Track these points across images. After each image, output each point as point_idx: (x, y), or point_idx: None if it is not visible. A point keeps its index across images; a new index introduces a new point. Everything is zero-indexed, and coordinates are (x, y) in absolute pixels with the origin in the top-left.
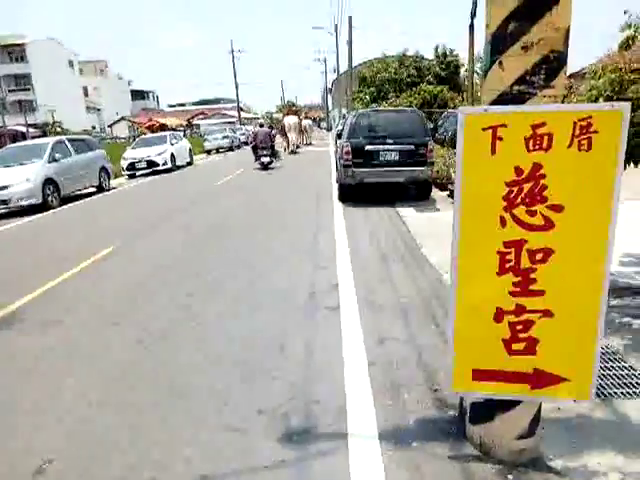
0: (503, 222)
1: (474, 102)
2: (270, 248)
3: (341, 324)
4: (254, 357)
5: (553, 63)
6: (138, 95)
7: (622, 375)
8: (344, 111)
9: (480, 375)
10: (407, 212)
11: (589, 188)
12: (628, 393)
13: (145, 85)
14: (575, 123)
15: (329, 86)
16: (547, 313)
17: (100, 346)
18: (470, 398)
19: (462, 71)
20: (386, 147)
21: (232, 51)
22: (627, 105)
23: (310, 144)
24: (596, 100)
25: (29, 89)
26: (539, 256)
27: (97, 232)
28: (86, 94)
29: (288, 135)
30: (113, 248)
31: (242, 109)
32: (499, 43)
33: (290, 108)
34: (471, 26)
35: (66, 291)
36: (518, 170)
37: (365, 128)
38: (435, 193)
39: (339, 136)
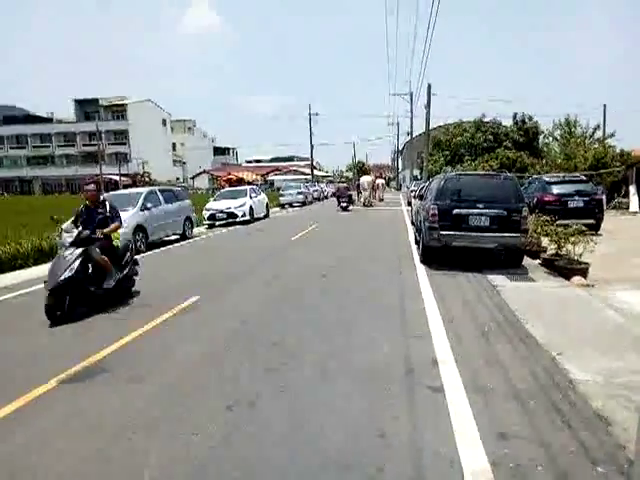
0: None
1: (552, 169)
2: (353, 313)
3: (448, 409)
4: (352, 443)
5: None
6: (219, 151)
7: None
8: (415, 172)
9: None
10: (499, 281)
11: None
12: None
13: (226, 142)
14: None
15: (400, 148)
16: None
17: (185, 409)
18: None
19: (541, 138)
20: (476, 211)
21: (310, 114)
22: None
23: (382, 200)
24: None
25: (125, 143)
26: None
27: (179, 281)
28: (174, 149)
29: (363, 192)
30: (195, 300)
31: (315, 167)
32: None
33: (366, 169)
34: None
35: (151, 342)
36: None
37: (454, 191)
38: (525, 260)
39: (420, 197)
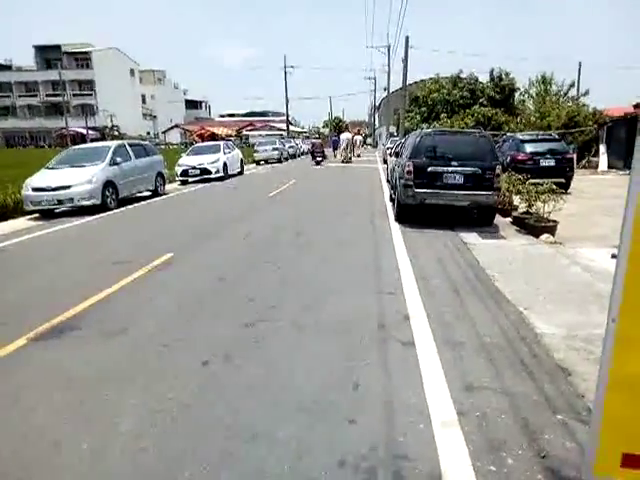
0: None
1: (526, 127)
2: (329, 267)
3: (419, 362)
4: (325, 395)
5: None
6: (191, 104)
7: None
8: (392, 129)
9: (633, 461)
10: (471, 239)
11: None
12: None
13: (198, 95)
14: None
15: (377, 104)
16: None
17: (164, 362)
18: None
19: (517, 95)
20: (451, 169)
21: (285, 67)
22: None
23: (359, 156)
24: None
25: (91, 94)
26: None
27: (152, 238)
28: (144, 101)
29: (342, 148)
30: (170, 256)
31: (290, 123)
32: None
33: (342, 126)
34: None
35: (125, 299)
36: None
37: (429, 148)
38: (497, 218)
39: (396, 154)
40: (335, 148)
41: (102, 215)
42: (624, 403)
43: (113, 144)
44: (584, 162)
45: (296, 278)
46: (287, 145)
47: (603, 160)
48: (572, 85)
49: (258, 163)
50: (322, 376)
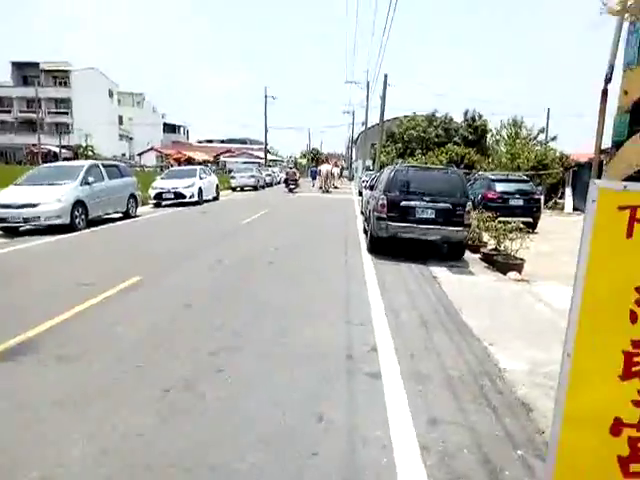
0: (634, 317)
1: (497, 167)
2: (300, 296)
3: (385, 395)
4: (288, 426)
5: None
6: (170, 128)
7: None
8: (368, 162)
9: None
10: (441, 273)
11: None
12: None
13: (177, 119)
14: None
15: (354, 138)
16: None
17: (123, 388)
18: None
19: (489, 136)
20: (423, 204)
21: (265, 97)
22: None
23: (336, 187)
24: None
25: (67, 113)
26: None
27: (120, 260)
28: (121, 122)
29: (321, 178)
30: (138, 279)
31: (268, 151)
32: None
33: (321, 158)
34: (605, 91)
35: (87, 322)
36: None
37: (403, 183)
38: (467, 254)
39: (371, 188)
40: (314, 178)
41: (70, 235)
42: (579, 438)
43: (86, 163)
44: (551, 203)
45: (265, 307)
46: (264, 173)
47: (569, 202)
48: (541, 130)
49: (234, 189)
50: (286, 407)
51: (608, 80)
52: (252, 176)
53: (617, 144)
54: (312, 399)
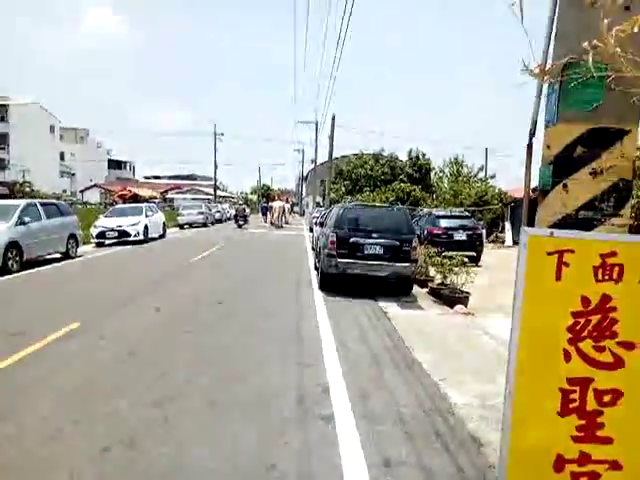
0: (567, 356)
1: (441, 203)
2: (250, 338)
3: (338, 438)
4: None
5: (622, 192)
6: (115, 164)
7: None
8: (318, 199)
9: None
10: (390, 308)
11: None
12: None
13: (123, 155)
14: None
15: (304, 175)
16: (615, 465)
17: (56, 450)
18: None
19: (432, 174)
20: (371, 240)
21: (215, 133)
22: None
23: (287, 223)
24: None
25: (4, 148)
26: (607, 398)
27: (56, 306)
28: (62, 158)
29: (274, 214)
30: (77, 326)
31: (218, 187)
32: (563, 166)
33: (273, 195)
34: (529, 145)
35: (21, 374)
36: (585, 300)
37: (351, 220)
38: (415, 289)
39: (321, 224)
40: (264, 214)
41: (1, 279)
42: (524, 475)
43: (22, 202)
44: (492, 237)
45: (214, 351)
46: (214, 210)
47: (508, 236)
48: (481, 168)
49: (182, 227)
50: (236, 459)
51: (532, 134)
52: (200, 212)
53: (544, 192)
54: (263, 448)
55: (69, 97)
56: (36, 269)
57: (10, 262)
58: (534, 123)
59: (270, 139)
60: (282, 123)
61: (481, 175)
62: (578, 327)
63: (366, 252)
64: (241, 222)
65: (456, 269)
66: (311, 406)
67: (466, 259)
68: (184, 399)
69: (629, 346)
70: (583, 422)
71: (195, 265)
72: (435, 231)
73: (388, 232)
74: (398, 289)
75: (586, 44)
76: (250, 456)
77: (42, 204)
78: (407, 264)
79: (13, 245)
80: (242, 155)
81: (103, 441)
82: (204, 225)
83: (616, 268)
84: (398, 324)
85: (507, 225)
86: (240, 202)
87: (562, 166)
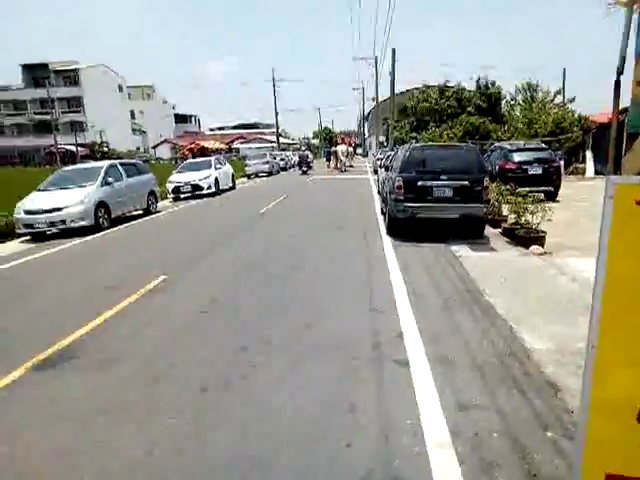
0: None
1: (514, 134)
2: (323, 285)
3: (413, 382)
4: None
5: None
6: (181, 119)
7: None
8: (381, 138)
9: None
10: (462, 251)
11: None
12: None
13: (188, 109)
14: None
15: (366, 114)
16: None
17: (162, 388)
18: None
19: (503, 103)
20: (440, 183)
21: (273, 80)
22: None
23: (351, 166)
24: None
25: (80, 111)
26: None
27: (144, 260)
28: (133, 116)
29: (340, 158)
30: (162, 279)
31: (280, 134)
32: None
33: (336, 138)
34: (617, 82)
35: (120, 326)
36: None
37: (418, 163)
38: (487, 230)
39: (386, 168)
40: (328, 159)
41: (95, 236)
42: (605, 425)
43: (105, 164)
44: (571, 168)
45: (290, 298)
46: (278, 158)
47: (590, 166)
48: (558, 92)
49: (249, 177)
50: (318, 397)
51: (620, 72)
52: (266, 162)
53: (632, 136)
54: (342, 389)
55: (131, 56)
56: (123, 225)
57: (101, 220)
58: (622, 58)
59: (330, 81)
60: (341, 63)
61: (559, 99)
62: None
63: (435, 195)
64: (305, 169)
65: (531, 207)
66: (387, 351)
67: (542, 195)
68: (267, 347)
69: None
70: None
71: (266, 215)
72: (507, 166)
73: (457, 172)
74: (470, 231)
75: None
76: (331, 397)
77: (122, 164)
78: (478, 205)
79: (101, 204)
80: (303, 100)
81: (200, 383)
82: (270, 174)
83: None
84: (470, 267)
85: (588, 154)
86: (303, 148)
87: None
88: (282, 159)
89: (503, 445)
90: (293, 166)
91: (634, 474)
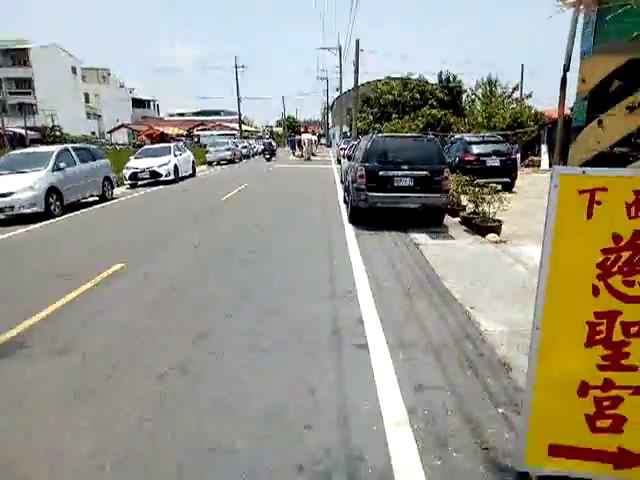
0: (596, 291)
1: (473, 127)
2: (285, 271)
3: (372, 365)
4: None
5: None
6: (139, 103)
7: None
8: (345, 129)
9: (557, 451)
10: (422, 239)
11: None
12: None
13: (146, 94)
14: None
15: (330, 104)
16: (639, 390)
17: (117, 379)
18: (539, 472)
19: (464, 97)
20: (401, 173)
21: (236, 66)
22: None
23: (314, 155)
24: None
25: (30, 93)
26: (634, 329)
27: (99, 247)
28: (87, 100)
29: (304, 147)
30: (118, 268)
31: (243, 122)
32: (598, 101)
33: (306, 127)
34: (563, 79)
35: (73, 315)
36: (617, 237)
37: (380, 153)
38: (446, 219)
39: (349, 157)
40: (292, 147)
41: (46, 223)
42: (550, 400)
43: (56, 148)
44: (527, 161)
45: (251, 285)
46: (240, 145)
47: (545, 159)
48: (516, 88)
49: (210, 164)
50: (277, 382)
51: (566, 68)
52: (228, 149)
53: (577, 129)
54: (303, 375)
55: (84, 36)
56: (76, 212)
57: (52, 207)
58: (568, 56)
59: (293, 69)
60: (305, 53)
61: (516, 95)
62: (608, 263)
63: (396, 184)
64: (269, 156)
65: (488, 197)
66: (347, 336)
67: (499, 186)
68: (227, 332)
69: None
70: (609, 352)
71: (228, 202)
72: (467, 158)
73: (418, 163)
74: (429, 220)
75: None
76: (291, 381)
77: (75, 149)
78: (438, 195)
79: (53, 190)
80: (266, 88)
81: (157, 370)
82: (232, 162)
83: None
84: (429, 255)
85: (543, 148)
86: (266, 136)
87: (597, 101)
88: (245, 147)
89: (457, 422)
90: (256, 154)
91: (573, 444)
